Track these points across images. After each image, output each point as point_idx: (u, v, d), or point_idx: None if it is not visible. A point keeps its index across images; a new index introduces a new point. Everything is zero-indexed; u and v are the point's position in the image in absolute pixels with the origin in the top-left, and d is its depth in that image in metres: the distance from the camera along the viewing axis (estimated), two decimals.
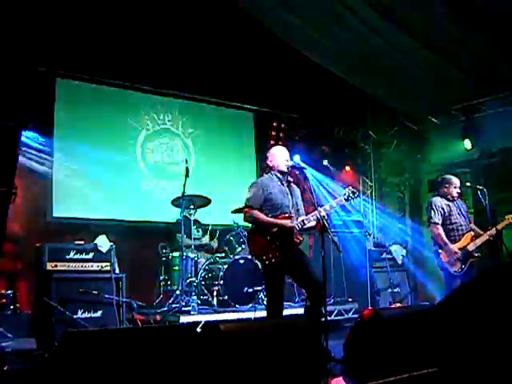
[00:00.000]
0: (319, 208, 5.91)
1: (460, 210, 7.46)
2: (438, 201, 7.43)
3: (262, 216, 5.96)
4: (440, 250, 7.24)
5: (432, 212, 7.35)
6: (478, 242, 7.14)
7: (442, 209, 7.34)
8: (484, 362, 2.75)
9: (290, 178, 6.30)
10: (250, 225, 6.28)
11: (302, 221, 5.98)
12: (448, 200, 7.44)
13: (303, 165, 6.35)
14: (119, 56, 9.06)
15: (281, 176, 6.20)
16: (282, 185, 6.16)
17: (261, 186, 6.07)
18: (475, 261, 7.14)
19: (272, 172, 6.27)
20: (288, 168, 6.20)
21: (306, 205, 6.46)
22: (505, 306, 2.79)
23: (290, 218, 6.01)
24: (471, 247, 7.13)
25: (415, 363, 3.45)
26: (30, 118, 7.22)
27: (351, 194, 6.15)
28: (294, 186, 6.33)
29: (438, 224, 7.28)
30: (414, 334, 3.61)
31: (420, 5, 7.89)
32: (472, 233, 7.27)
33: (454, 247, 7.14)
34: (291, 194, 6.20)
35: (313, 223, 6.02)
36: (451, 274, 7.14)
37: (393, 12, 8.09)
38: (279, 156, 6.24)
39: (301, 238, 6.06)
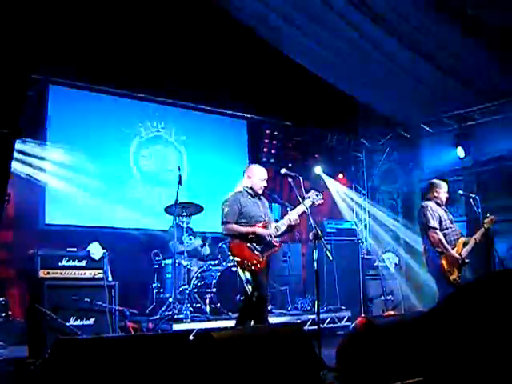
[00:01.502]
0: (287, 215, 6.41)
1: (449, 215, 7.32)
2: (432, 205, 7.21)
3: (239, 227, 6.26)
4: (441, 258, 6.96)
5: (429, 217, 7.08)
6: (469, 247, 7.00)
7: (438, 213, 7.14)
8: (474, 369, 2.76)
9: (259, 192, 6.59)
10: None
11: (276, 227, 6.34)
12: (438, 205, 7.27)
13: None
14: (113, 63, 9.09)
15: (250, 191, 6.49)
16: (252, 197, 6.48)
17: (234, 202, 6.36)
18: (465, 268, 7.04)
19: (241, 187, 6.58)
20: (262, 189, 6.55)
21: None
22: (495, 314, 2.80)
23: (265, 226, 6.32)
24: (464, 253, 6.98)
25: (408, 371, 3.45)
26: (23, 125, 7.22)
27: (315, 197, 6.52)
28: (262, 197, 6.65)
29: (437, 229, 7.04)
30: (407, 341, 3.61)
31: (416, 13, 7.93)
32: (464, 238, 7.12)
33: (456, 253, 6.98)
34: (261, 205, 6.52)
35: (284, 228, 6.38)
36: (450, 282, 6.91)
37: (387, 21, 8.13)
38: (258, 177, 6.53)
39: (278, 244, 6.41)
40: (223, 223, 6.34)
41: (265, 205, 6.60)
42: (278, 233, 6.34)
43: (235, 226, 6.23)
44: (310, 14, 8.38)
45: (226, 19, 9.19)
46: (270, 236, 6.23)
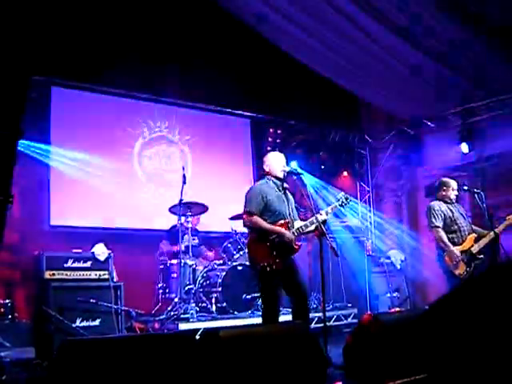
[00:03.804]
0: (316, 214, 5.92)
1: (459, 211, 7.36)
2: (437, 204, 7.32)
3: (262, 222, 5.96)
4: (443, 253, 7.11)
5: (431, 216, 7.22)
6: (482, 243, 7.04)
7: (442, 212, 7.22)
8: (477, 365, 2.75)
9: (285, 185, 6.30)
10: (247, 231, 6.30)
11: (299, 228, 6.04)
12: (446, 203, 7.36)
13: (301, 170, 6.33)
14: (115, 63, 9.08)
15: (277, 181, 6.20)
16: (279, 190, 6.18)
17: (259, 192, 6.06)
18: (479, 263, 7.08)
19: (268, 177, 6.27)
20: (284, 174, 6.23)
21: (304, 211, 6.46)
22: (500, 308, 2.79)
23: (288, 223, 6.04)
24: (475, 249, 7.03)
25: (415, 368, 3.44)
26: (26, 127, 7.23)
27: (344, 200, 6.24)
28: (288, 191, 6.35)
29: (438, 227, 7.16)
30: (413, 338, 3.60)
31: (416, 9, 7.92)
32: (475, 234, 7.17)
33: (457, 250, 7.05)
34: (287, 200, 6.22)
35: (311, 228, 6.05)
36: (455, 277, 7.05)
37: (389, 19, 8.12)
38: (275, 162, 6.26)
39: (299, 244, 6.08)
40: (247, 213, 6.03)
41: (290, 201, 6.27)
42: (304, 231, 6.07)
43: (259, 220, 5.94)
44: (311, 13, 8.36)
45: (227, 19, 9.18)
46: (293, 238, 5.95)
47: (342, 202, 6.22)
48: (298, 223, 6.15)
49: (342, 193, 6.34)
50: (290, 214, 6.17)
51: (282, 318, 7.38)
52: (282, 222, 6.03)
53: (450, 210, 7.29)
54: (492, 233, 7.03)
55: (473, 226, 7.37)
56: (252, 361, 3.51)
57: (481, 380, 2.74)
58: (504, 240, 7.08)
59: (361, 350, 3.95)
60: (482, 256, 7.05)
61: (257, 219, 5.97)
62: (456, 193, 7.43)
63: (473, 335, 2.81)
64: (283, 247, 5.91)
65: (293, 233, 5.98)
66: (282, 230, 5.96)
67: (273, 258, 5.85)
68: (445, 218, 7.23)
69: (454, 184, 7.46)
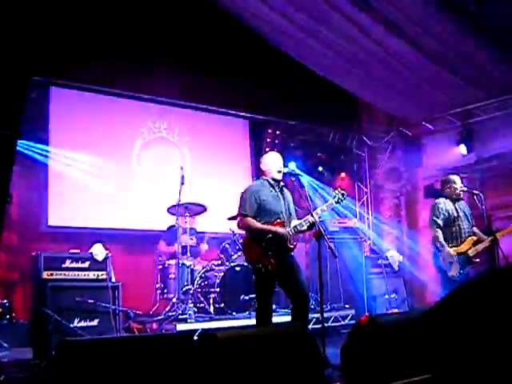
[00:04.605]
0: (312, 212, 5.91)
1: (464, 212, 7.32)
2: (443, 202, 7.27)
3: (255, 223, 5.96)
4: (439, 253, 7.10)
5: (434, 214, 7.20)
6: (479, 247, 7.01)
7: (447, 211, 7.18)
8: (475, 368, 2.75)
9: (281, 183, 6.28)
10: (244, 232, 6.29)
11: (295, 226, 6.01)
12: (453, 201, 7.30)
13: (298, 171, 6.32)
14: (114, 64, 9.09)
15: (272, 182, 6.18)
16: (274, 190, 6.16)
17: (253, 193, 6.06)
18: (474, 266, 7.05)
19: (263, 178, 6.27)
20: (281, 175, 6.21)
21: (302, 211, 6.44)
22: (499, 311, 2.79)
23: (283, 223, 6.03)
24: (472, 252, 7.00)
25: (413, 369, 3.43)
26: (24, 127, 7.23)
27: (340, 196, 6.21)
28: (285, 190, 6.33)
29: (438, 226, 7.14)
30: (411, 339, 3.60)
31: (416, 9, 7.92)
32: (474, 237, 7.13)
33: (452, 250, 7.00)
34: (283, 199, 6.20)
35: (305, 227, 6.01)
36: (449, 277, 7.04)
37: (389, 20, 8.12)
38: (272, 163, 6.22)
39: (295, 244, 6.07)
40: (240, 215, 6.04)
41: (287, 199, 6.23)
42: (300, 230, 6.02)
43: (252, 221, 5.93)
44: (311, 13, 8.36)
45: (226, 19, 9.19)
46: (288, 237, 5.92)
47: (338, 198, 6.20)
48: (295, 222, 6.13)
49: (338, 189, 6.30)
50: (288, 214, 6.17)
51: (281, 319, 7.44)
52: (278, 221, 6.02)
53: (456, 210, 7.24)
54: (490, 239, 7.01)
55: (474, 228, 7.34)
56: (250, 362, 3.50)
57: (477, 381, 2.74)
58: (503, 244, 7.06)
59: (358, 351, 3.94)
60: (477, 260, 7.03)
61: (249, 220, 5.96)
62: (461, 189, 7.35)
63: (471, 339, 2.81)
64: (278, 247, 5.89)
65: (288, 232, 5.95)
66: (276, 228, 5.94)
67: (268, 258, 5.83)
68: (448, 217, 7.18)
69: (457, 179, 7.40)
